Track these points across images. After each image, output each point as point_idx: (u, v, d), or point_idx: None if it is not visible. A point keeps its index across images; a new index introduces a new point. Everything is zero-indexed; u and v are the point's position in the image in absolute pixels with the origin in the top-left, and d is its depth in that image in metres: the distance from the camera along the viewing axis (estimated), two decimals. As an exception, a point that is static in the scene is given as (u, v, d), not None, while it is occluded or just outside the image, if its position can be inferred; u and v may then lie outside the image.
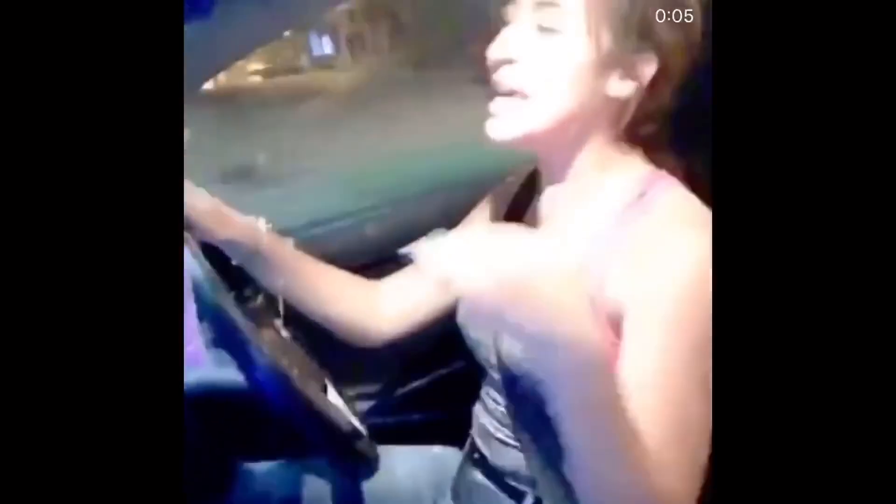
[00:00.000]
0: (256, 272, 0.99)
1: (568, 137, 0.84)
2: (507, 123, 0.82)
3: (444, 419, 1.04)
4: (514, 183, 1.01)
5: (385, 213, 1.27)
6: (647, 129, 0.85)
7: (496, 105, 0.82)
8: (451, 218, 1.13)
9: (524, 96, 0.81)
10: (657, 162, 0.86)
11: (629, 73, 0.81)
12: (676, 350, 0.74)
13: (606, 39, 0.79)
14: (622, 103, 0.82)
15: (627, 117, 0.83)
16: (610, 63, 0.80)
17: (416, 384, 1.27)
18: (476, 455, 0.98)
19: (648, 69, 0.80)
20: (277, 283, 0.99)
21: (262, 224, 0.98)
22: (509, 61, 0.81)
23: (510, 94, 0.81)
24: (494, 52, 0.82)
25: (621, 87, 0.81)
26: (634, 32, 0.79)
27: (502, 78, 0.82)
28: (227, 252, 0.97)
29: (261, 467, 1.06)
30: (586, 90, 0.80)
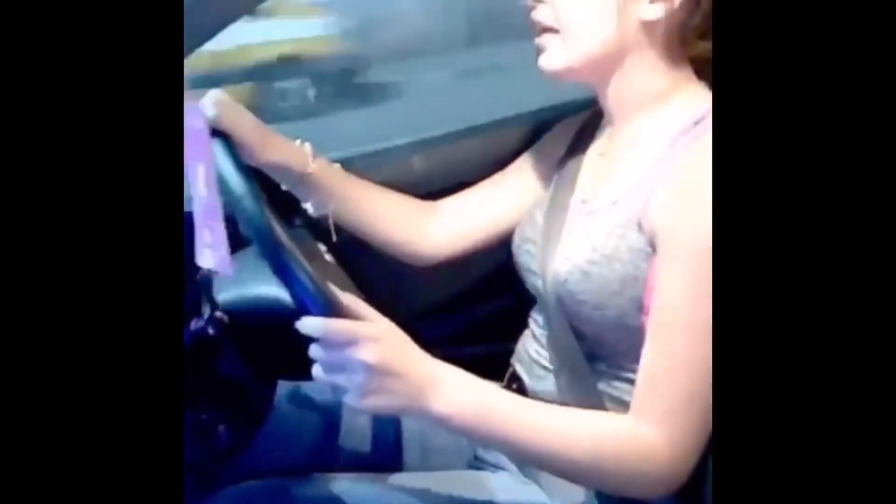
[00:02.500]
0: (305, 196, 0.99)
1: (613, 67, 0.86)
2: (551, 56, 0.87)
3: (484, 355, 1.04)
4: (573, 122, 1.04)
5: (433, 146, 1.26)
6: (700, 47, 0.85)
7: (540, 39, 0.87)
8: (502, 154, 1.13)
9: (560, 31, 0.85)
10: None
11: None
12: (704, 279, 0.74)
13: None
14: (659, 25, 0.84)
15: (665, 37, 0.85)
16: None
17: (457, 319, 1.27)
18: (515, 385, 0.99)
19: None
20: (327, 206, 0.99)
21: (307, 148, 0.98)
22: (542, 1, 0.86)
23: (549, 30, 0.85)
24: None
25: (652, 10, 0.83)
26: None
27: (538, 16, 0.86)
28: (275, 177, 0.97)
29: (299, 385, 1.07)
30: (618, 18, 0.83)
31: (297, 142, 0.98)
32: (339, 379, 0.73)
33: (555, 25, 0.86)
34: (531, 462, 0.87)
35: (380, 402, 0.73)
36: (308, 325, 0.72)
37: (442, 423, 0.76)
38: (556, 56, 0.87)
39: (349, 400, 0.73)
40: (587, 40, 0.85)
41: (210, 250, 0.78)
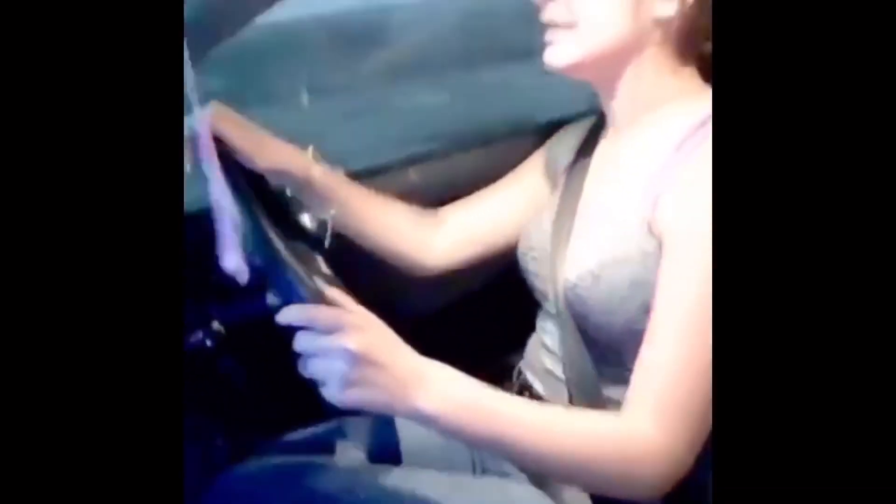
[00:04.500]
0: (307, 200, 0.98)
1: (621, 65, 0.86)
2: (560, 51, 0.86)
3: (485, 363, 1.04)
4: (576, 128, 1.04)
5: (432, 159, 1.26)
6: (705, 47, 0.86)
7: (550, 34, 0.86)
8: (498, 167, 1.14)
9: (573, 26, 0.84)
10: None
11: None
12: (707, 284, 0.74)
13: None
14: (669, 23, 0.84)
15: (675, 35, 0.85)
16: None
17: (456, 329, 1.27)
18: (526, 394, 0.98)
19: None
20: (328, 212, 0.98)
21: (311, 153, 0.98)
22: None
23: (560, 25, 0.85)
24: None
25: (665, 7, 0.83)
26: None
27: (551, 14, 0.85)
28: (277, 181, 0.96)
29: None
30: (632, 14, 0.83)
31: (311, 148, 0.99)
32: (321, 370, 0.69)
33: (569, 20, 0.85)
34: (521, 462, 0.85)
35: (362, 395, 0.68)
36: (291, 312, 0.69)
37: (427, 421, 0.72)
38: (566, 50, 0.86)
39: (329, 393, 0.69)
40: (602, 35, 0.84)
41: (227, 254, 0.78)
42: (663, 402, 0.76)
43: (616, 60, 0.86)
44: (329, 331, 0.68)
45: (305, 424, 1.02)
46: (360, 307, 0.73)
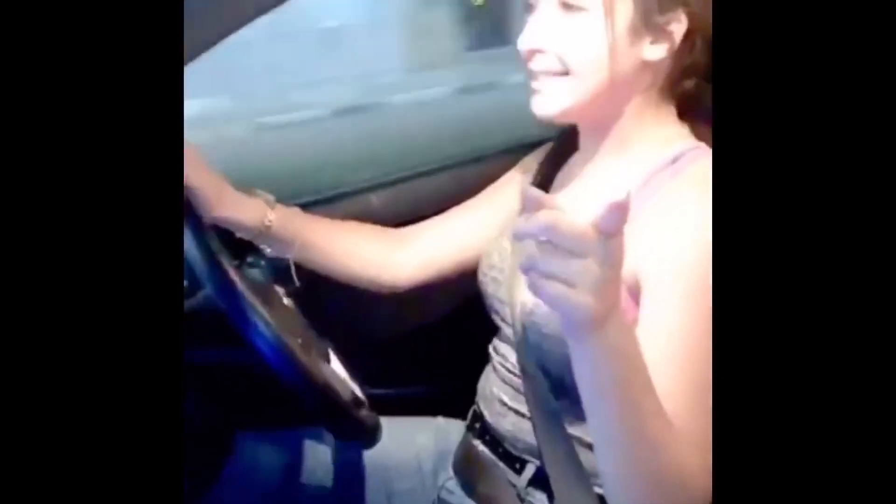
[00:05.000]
0: (265, 245, 0.99)
1: (607, 106, 0.86)
2: (551, 100, 0.85)
3: (448, 391, 1.03)
4: (545, 151, 1.03)
5: (393, 183, 1.26)
6: (687, 85, 0.87)
7: (537, 82, 0.85)
8: (457, 191, 1.13)
9: (565, 74, 0.83)
10: (700, 117, 0.88)
11: (660, 35, 0.82)
12: (694, 316, 0.74)
13: (629, 8, 0.80)
14: (657, 65, 0.84)
15: (663, 76, 0.85)
16: (640, 30, 0.81)
17: (421, 356, 1.27)
18: (477, 424, 0.98)
19: (679, 28, 0.82)
20: (289, 252, 0.99)
21: (267, 198, 0.99)
22: (540, 51, 0.84)
23: (551, 75, 0.83)
24: (524, 43, 0.84)
25: (655, 51, 0.83)
26: None
27: (541, 65, 0.84)
28: (232, 229, 0.97)
29: (261, 436, 1.05)
30: (621, 60, 0.82)
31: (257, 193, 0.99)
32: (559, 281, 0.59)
33: (561, 70, 0.83)
34: (609, 437, 0.72)
35: (581, 298, 0.59)
36: (535, 221, 0.58)
37: (585, 356, 0.66)
38: (558, 100, 0.84)
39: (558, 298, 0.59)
40: (593, 81, 0.83)
41: None
42: (691, 427, 0.71)
43: (604, 102, 0.85)
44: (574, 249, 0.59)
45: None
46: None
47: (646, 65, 0.84)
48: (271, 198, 1.00)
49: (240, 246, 0.98)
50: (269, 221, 0.97)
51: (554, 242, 0.58)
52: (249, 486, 1.00)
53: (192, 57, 0.77)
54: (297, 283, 0.98)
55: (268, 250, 1.00)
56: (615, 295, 0.62)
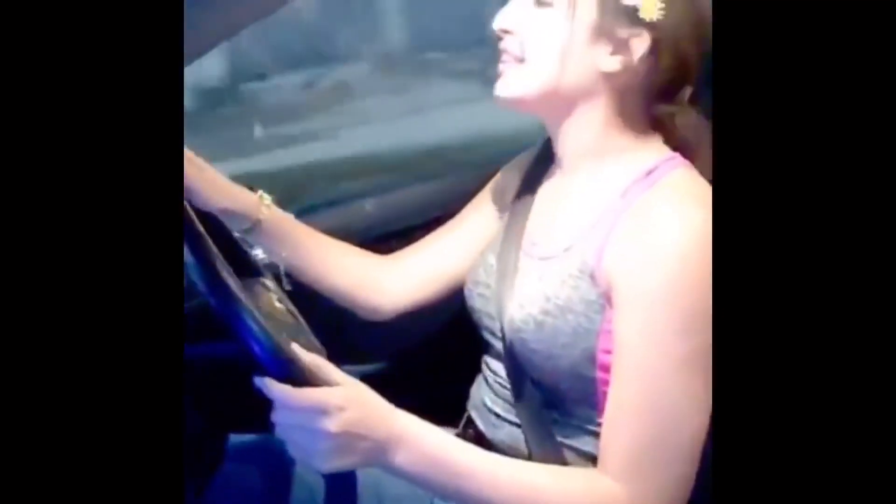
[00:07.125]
0: (256, 243, 0.99)
1: (567, 109, 0.87)
2: (508, 84, 0.88)
3: (440, 400, 1.03)
4: (523, 160, 1.04)
5: (387, 191, 1.26)
6: (661, 109, 0.87)
7: (503, 65, 0.88)
8: (452, 197, 1.13)
9: (521, 61, 0.86)
10: (684, 139, 0.88)
11: (620, 49, 0.83)
12: (660, 326, 0.76)
13: (592, 13, 0.83)
14: (616, 78, 0.85)
15: (624, 93, 0.86)
16: (598, 37, 0.83)
17: (412, 364, 1.26)
18: (470, 431, 0.98)
19: (640, 46, 0.83)
20: (279, 254, 0.99)
21: (262, 196, 0.99)
22: (509, 31, 0.87)
23: (513, 59, 0.87)
24: (497, 22, 0.88)
25: (611, 62, 0.84)
26: (622, 9, 0.82)
27: (506, 45, 0.87)
28: (227, 223, 0.96)
29: (252, 439, 1.05)
30: (575, 61, 0.84)
31: (252, 189, 0.99)
32: (301, 441, 0.72)
33: (519, 55, 0.87)
34: None
35: (342, 462, 0.72)
36: (273, 390, 0.71)
37: (403, 477, 0.76)
38: (513, 85, 0.87)
39: (311, 463, 0.72)
40: (544, 76, 0.85)
41: None
42: (631, 461, 0.77)
43: (562, 103, 0.87)
44: (310, 412, 0.70)
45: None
46: (335, 372, 0.75)
47: (602, 75, 0.85)
48: (268, 196, 1.00)
49: (234, 254, 0.98)
50: (262, 217, 0.97)
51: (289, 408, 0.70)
52: (241, 489, 1.00)
53: (193, 57, 0.77)
54: (289, 288, 0.98)
55: (260, 255, 1.00)
56: (381, 426, 0.73)
